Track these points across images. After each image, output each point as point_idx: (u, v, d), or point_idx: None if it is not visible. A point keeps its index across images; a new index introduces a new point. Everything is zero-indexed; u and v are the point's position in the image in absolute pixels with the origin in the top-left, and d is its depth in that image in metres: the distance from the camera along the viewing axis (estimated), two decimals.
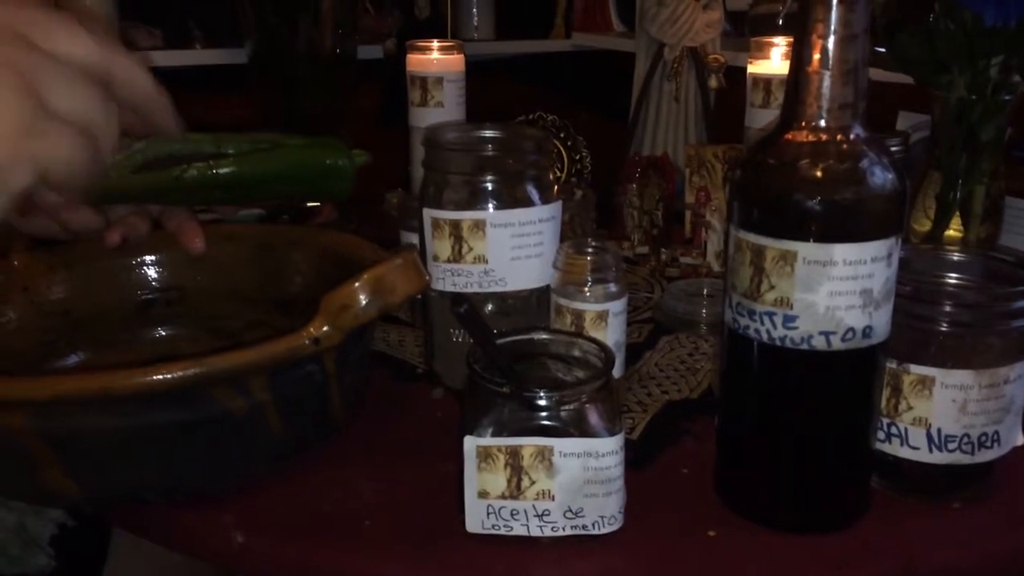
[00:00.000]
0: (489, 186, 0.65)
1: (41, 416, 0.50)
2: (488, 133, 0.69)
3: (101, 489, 0.55)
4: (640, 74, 1.19)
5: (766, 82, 0.94)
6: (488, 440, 0.51)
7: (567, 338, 0.58)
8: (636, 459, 0.61)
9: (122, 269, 0.73)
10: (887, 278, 0.49)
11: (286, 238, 0.75)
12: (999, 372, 0.53)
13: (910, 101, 1.03)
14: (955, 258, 0.59)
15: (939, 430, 0.54)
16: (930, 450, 0.55)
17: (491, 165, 0.65)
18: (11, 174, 0.41)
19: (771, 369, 0.52)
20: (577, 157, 1.14)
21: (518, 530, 0.52)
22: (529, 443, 0.50)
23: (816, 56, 0.48)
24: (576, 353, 0.57)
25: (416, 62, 0.97)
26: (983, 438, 0.55)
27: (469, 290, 0.66)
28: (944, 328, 0.53)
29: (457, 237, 0.65)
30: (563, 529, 0.52)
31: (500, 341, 0.55)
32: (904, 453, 0.55)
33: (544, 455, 0.50)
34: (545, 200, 0.66)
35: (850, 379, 0.52)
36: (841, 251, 0.48)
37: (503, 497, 0.51)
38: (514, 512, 0.52)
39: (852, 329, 0.49)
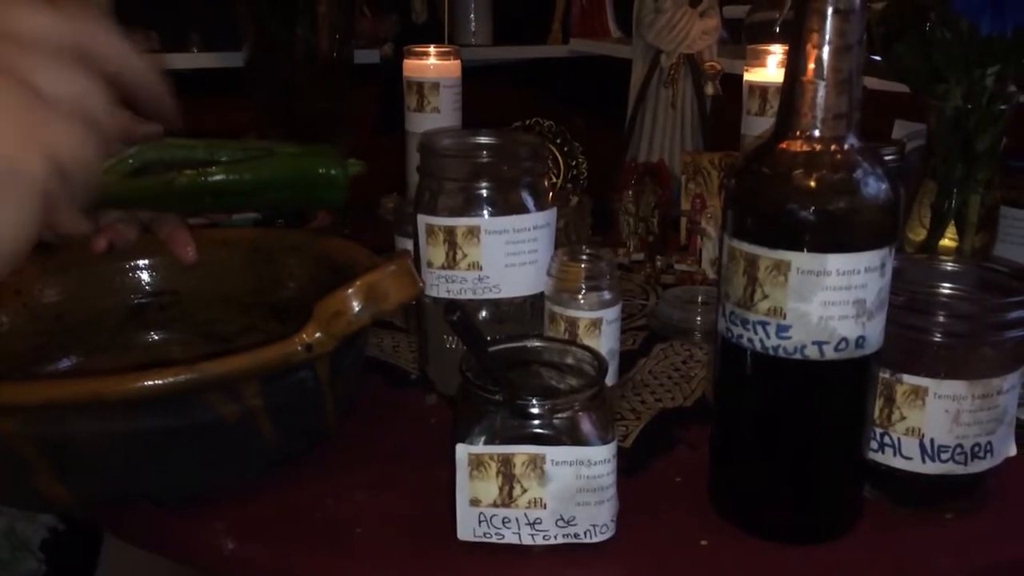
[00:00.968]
0: (484, 192, 0.65)
1: (33, 421, 0.50)
2: (483, 139, 0.69)
3: (92, 494, 0.54)
4: (637, 80, 1.19)
5: (762, 90, 0.94)
6: (480, 448, 0.51)
7: (560, 346, 0.58)
8: (629, 467, 0.60)
9: (116, 273, 0.73)
10: (880, 288, 0.49)
11: (281, 243, 0.75)
12: (992, 383, 0.53)
13: (906, 110, 1.03)
14: (949, 268, 0.59)
15: (932, 440, 0.54)
16: (923, 460, 0.55)
17: (486, 171, 0.65)
18: (27, 167, 0.40)
19: (764, 378, 0.52)
20: (573, 163, 1.14)
21: (510, 538, 0.52)
22: (521, 451, 0.50)
23: (811, 66, 0.48)
24: (569, 361, 0.57)
25: (413, 67, 0.97)
26: (976, 449, 0.55)
27: (463, 297, 0.66)
28: (938, 338, 0.53)
29: (451, 243, 0.65)
30: (555, 537, 0.52)
31: (493, 349, 0.55)
32: (897, 463, 0.55)
33: (536, 463, 0.50)
34: (540, 207, 0.66)
35: (843, 389, 0.52)
36: (835, 261, 0.48)
37: (495, 505, 0.51)
38: (506, 520, 0.51)
39: (845, 339, 0.49)
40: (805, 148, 0.49)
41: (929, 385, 0.53)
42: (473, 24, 1.62)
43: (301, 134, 0.74)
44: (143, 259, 0.73)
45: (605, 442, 0.51)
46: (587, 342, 0.62)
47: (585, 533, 0.52)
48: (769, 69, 0.94)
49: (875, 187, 0.49)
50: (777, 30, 1.25)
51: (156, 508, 0.55)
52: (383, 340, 0.82)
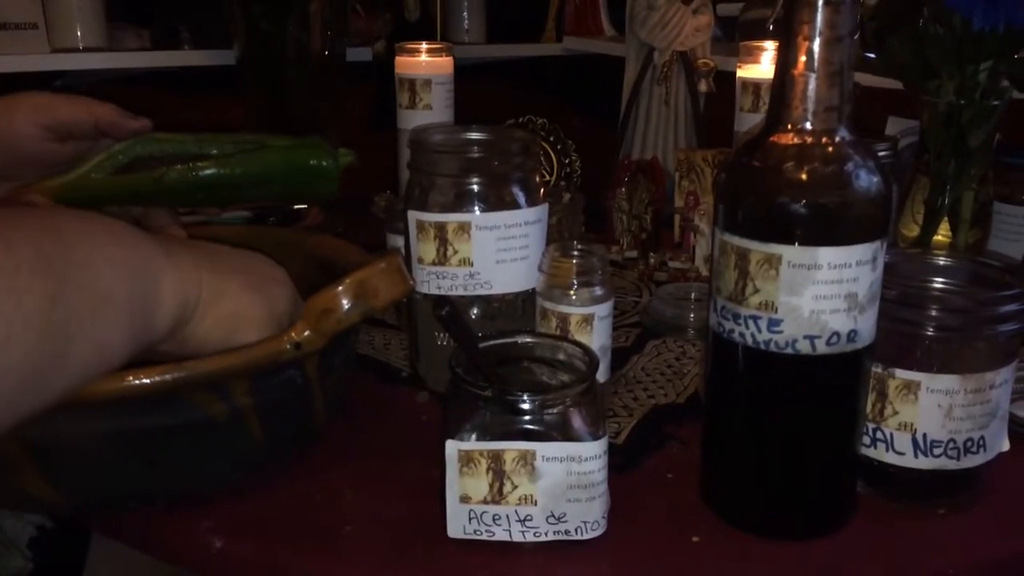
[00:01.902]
0: (475, 188, 0.64)
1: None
2: (474, 135, 0.69)
3: (79, 494, 0.54)
4: (630, 78, 1.19)
5: (755, 86, 0.94)
6: (470, 444, 0.50)
7: (551, 341, 0.58)
8: (621, 464, 0.60)
9: None
10: (872, 282, 0.49)
11: (272, 241, 0.75)
12: (985, 377, 0.53)
13: (899, 106, 1.03)
14: (941, 263, 0.59)
15: (924, 435, 0.54)
16: (915, 455, 0.54)
17: (477, 167, 0.65)
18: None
19: (756, 373, 0.52)
20: (567, 161, 1.14)
21: (500, 535, 0.51)
22: (511, 447, 0.50)
23: (802, 58, 0.47)
24: (561, 357, 0.57)
25: (404, 64, 0.96)
26: (969, 443, 0.54)
27: (454, 293, 0.65)
28: (930, 332, 0.53)
29: (442, 239, 0.64)
30: (546, 534, 0.51)
31: (483, 344, 0.54)
32: (889, 458, 0.55)
33: (527, 459, 0.50)
34: (531, 202, 0.66)
35: (835, 384, 0.51)
36: (826, 254, 0.47)
37: (485, 502, 0.51)
38: (496, 517, 0.51)
39: (837, 333, 0.49)
40: (796, 141, 0.49)
41: (922, 379, 0.53)
42: (466, 22, 1.61)
43: (293, 133, 0.74)
44: None
45: (596, 438, 0.50)
46: (579, 338, 0.61)
47: (576, 530, 0.51)
48: (762, 65, 0.94)
49: (867, 180, 0.48)
50: (770, 27, 1.24)
51: (144, 507, 0.55)
52: (374, 338, 0.81)
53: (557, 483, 0.50)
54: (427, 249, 0.65)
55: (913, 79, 0.79)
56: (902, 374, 0.53)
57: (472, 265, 0.65)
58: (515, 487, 0.50)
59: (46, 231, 0.41)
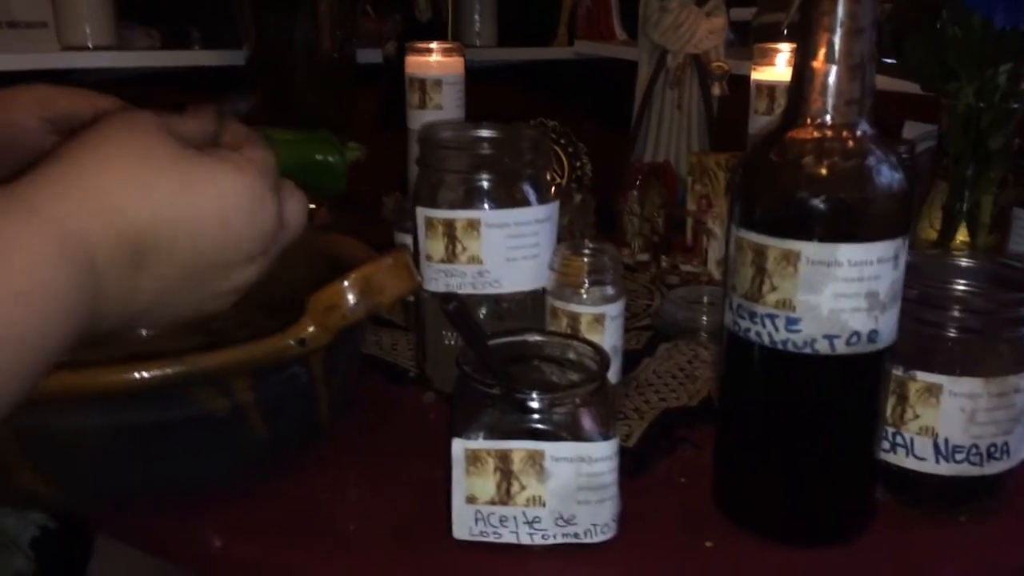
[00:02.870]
0: (485, 185, 0.63)
1: (14, 414, 0.48)
2: (484, 132, 0.68)
3: (77, 491, 0.53)
4: (643, 81, 1.17)
5: (770, 89, 0.93)
6: (477, 443, 0.49)
7: (561, 340, 0.57)
8: (632, 467, 0.59)
9: None
10: (894, 280, 0.48)
11: None
12: (1009, 381, 0.52)
13: (916, 111, 1.01)
14: (963, 264, 0.58)
15: (946, 440, 0.52)
16: (937, 461, 0.53)
17: (487, 164, 0.64)
18: None
19: (772, 374, 0.50)
20: (578, 164, 1.13)
21: (507, 537, 0.50)
22: (520, 447, 0.49)
23: (822, 50, 0.46)
24: (571, 356, 0.55)
25: (415, 64, 0.96)
26: (992, 449, 0.53)
27: (463, 291, 0.64)
28: (952, 334, 0.52)
29: (451, 237, 0.63)
30: (554, 537, 0.50)
31: (492, 342, 0.53)
32: (910, 464, 0.54)
33: (535, 459, 0.49)
34: (542, 200, 0.64)
35: (854, 385, 0.50)
36: (846, 251, 0.46)
37: (492, 503, 0.49)
38: (503, 519, 0.50)
39: (857, 333, 0.47)
40: (816, 135, 0.47)
41: (944, 383, 0.52)
42: (478, 25, 1.61)
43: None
44: None
45: (606, 438, 0.49)
46: (590, 338, 0.60)
47: (585, 533, 0.50)
48: (777, 68, 0.93)
49: (888, 175, 0.47)
50: (784, 31, 1.23)
51: (144, 505, 0.54)
52: (382, 338, 0.80)
53: (566, 484, 0.49)
54: (436, 246, 0.64)
55: (931, 82, 0.78)
56: (923, 376, 0.52)
57: (481, 263, 0.63)
58: (523, 488, 0.49)
59: None
